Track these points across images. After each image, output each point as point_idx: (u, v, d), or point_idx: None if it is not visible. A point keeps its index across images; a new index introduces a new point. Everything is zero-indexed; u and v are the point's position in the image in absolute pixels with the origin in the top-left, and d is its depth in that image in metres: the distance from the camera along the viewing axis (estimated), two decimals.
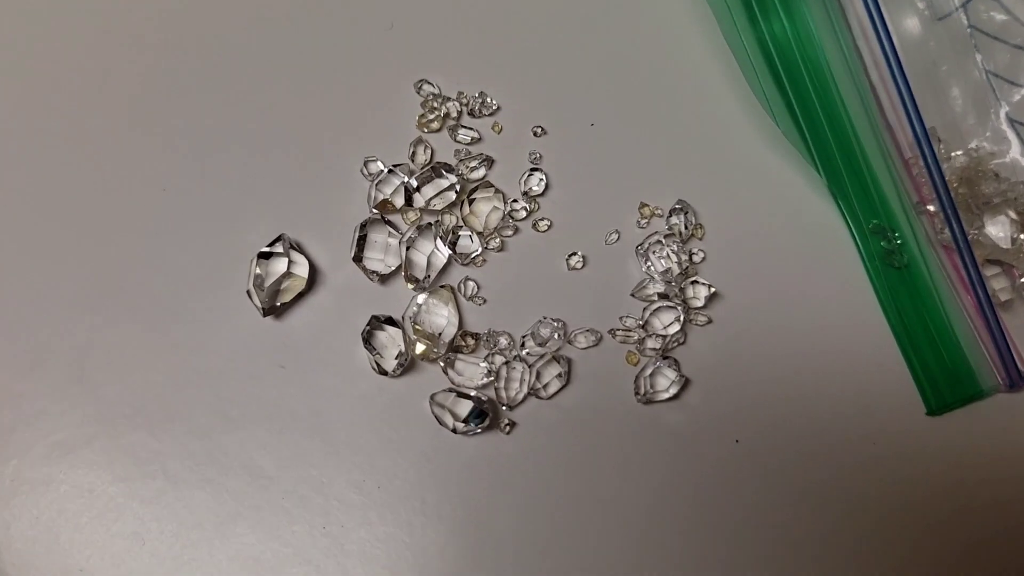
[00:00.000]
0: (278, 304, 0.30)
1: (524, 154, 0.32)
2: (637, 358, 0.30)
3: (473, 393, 0.29)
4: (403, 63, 0.32)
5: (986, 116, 0.32)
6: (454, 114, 0.32)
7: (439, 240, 0.30)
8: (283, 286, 0.30)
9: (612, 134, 0.32)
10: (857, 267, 0.30)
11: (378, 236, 0.30)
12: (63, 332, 0.30)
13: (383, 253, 0.30)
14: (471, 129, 0.32)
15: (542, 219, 0.31)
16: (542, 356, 0.29)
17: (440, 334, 0.29)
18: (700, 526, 0.28)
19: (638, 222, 0.31)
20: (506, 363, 0.29)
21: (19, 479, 0.29)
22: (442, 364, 0.29)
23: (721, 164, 0.32)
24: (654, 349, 0.29)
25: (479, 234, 0.30)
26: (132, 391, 0.30)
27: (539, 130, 0.32)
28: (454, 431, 0.28)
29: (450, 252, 0.30)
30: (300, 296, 0.30)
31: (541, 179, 0.31)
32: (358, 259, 0.30)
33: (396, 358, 0.29)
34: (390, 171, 0.31)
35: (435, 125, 0.32)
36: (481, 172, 0.31)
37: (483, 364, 0.29)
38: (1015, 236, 0.30)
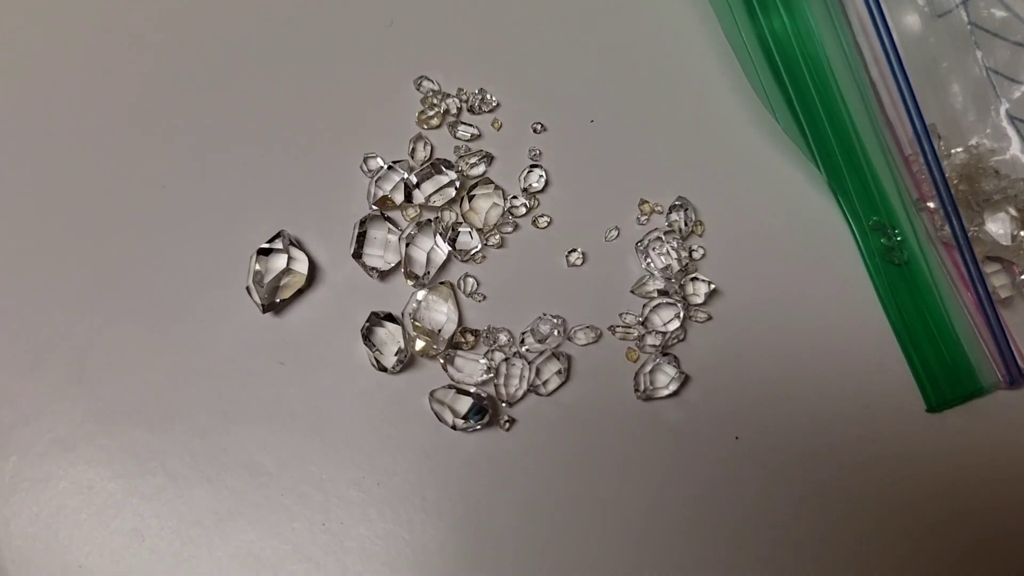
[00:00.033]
0: (278, 301, 0.30)
1: (524, 151, 0.32)
2: (637, 355, 0.30)
3: (473, 390, 0.29)
4: (403, 60, 0.32)
5: (986, 113, 0.32)
6: (454, 111, 0.32)
7: (439, 237, 0.30)
8: (283, 282, 0.30)
9: (612, 131, 0.32)
10: (857, 264, 0.30)
11: (378, 232, 0.30)
12: (63, 330, 0.30)
13: (383, 249, 0.30)
14: (471, 126, 0.32)
15: (542, 216, 0.31)
16: (542, 353, 0.29)
17: (440, 331, 0.29)
18: (699, 523, 0.28)
19: (638, 219, 0.31)
20: (506, 360, 0.29)
21: (19, 476, 0.29)
22: (442, 361, 0.29)
23: (721, 161, 0.32)
24: (654, 346, 0.29)
25: (479, 231, 0.30)
26: (131, 388, 0.30)
27: (539, 127, 0.32)
28: (454, 428, 0.29)
29: (450, 248, 0.30)
30: (300, 292, 0.30)
31: (541, 176, 0.31)
32: (358, 255, 0.30)
33: (396, 355, 0.29)
34: (390, 167, 0.31)
35: (435, 122, 0.32)
36: (481, 169, 0.31)
37: (483, 361, 0.29)
38: (1015, 233, 0.30)
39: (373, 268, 0.30)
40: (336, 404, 0.29)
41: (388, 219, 0.30)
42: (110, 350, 0.30)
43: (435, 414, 0.29)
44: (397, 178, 0.30)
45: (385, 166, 0.31)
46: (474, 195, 0.30)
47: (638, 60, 0.33)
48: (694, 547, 0.28)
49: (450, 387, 0.29)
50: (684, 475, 0.29)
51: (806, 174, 0.31)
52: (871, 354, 0.30)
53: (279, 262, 0.30)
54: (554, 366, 0.29)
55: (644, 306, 0.30)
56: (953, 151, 0.31)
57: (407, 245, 0.30)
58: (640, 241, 0.30)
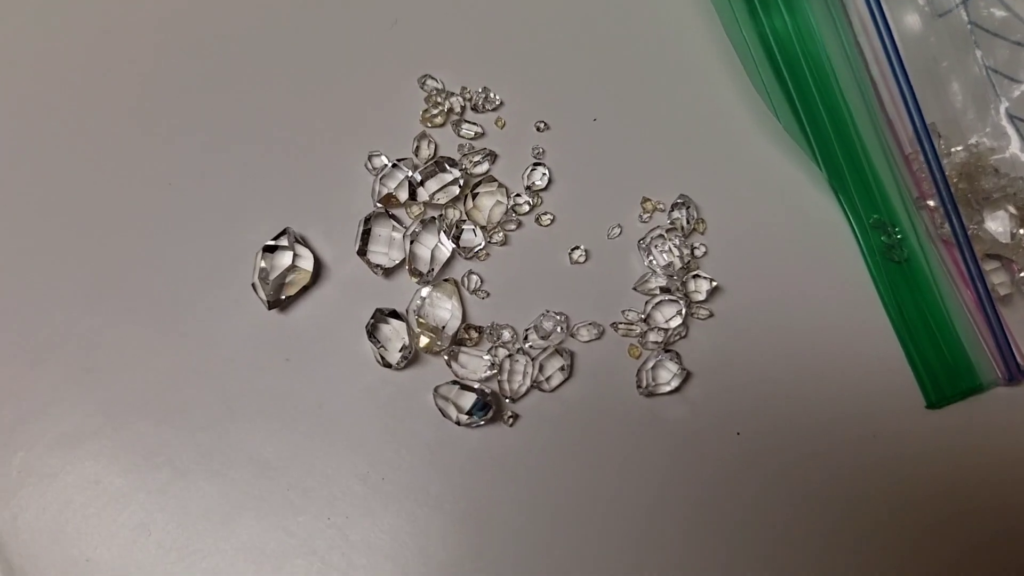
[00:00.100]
0: (283, 297, 0.30)
1: (527, 149, 0.32)
2: (639, 351, 0.30)
3: (476, 386, 0.29)
4: (407, 59, 0.33)
5: (986, 112, 0.32)
6: (457, 109, 0.32)
7: (443, 234, 0.30)
8: (288, 279, 0.30)
9: (614, 129, 0.32)
10: (857, 262, 0.31)
11: (382, 230, 0.30)
12: (70, 326, 0.30)
13: (387, 247, 0.30)
14: (474, 124, 0.32)
15: (545, 213, 0.31)
16: (545, 349, 0.29)
17: (444, 327, 0.29)
18: (701, 518, 0.29)
19: (640, 216, 0.31)
20: (509, 356, 0.29)
21: (26, 470, 0.29)
22: (446, 357, 0.29)
23: (723, 159, 0.32)
24: (656, 342, 0.30)
25: (482, 228, 0.31)
26: (138, 384, 0.30)
27: (542, 125, 0.32)
28: (458, 423, 0.29)
29: (454, 246, 0.30)
30: (305, 289, 0.30)
31: (544, 174, 0.31)
32: (362, 253, 0.30)
33: (400, 351, 0.29)
34: (394, 166, 0.31)
35: (439, 120, 0.32)
36: (484, 167, 0.31)
37: (486, 357, 0.29)
38: (1014, 231, 0.30)
39: (378, 265, 0.30)
40: (341, 400, 0.30)
41: (392, 217, 0.31)
42: (117, 346, 0.30)
43: (439, 410, 0.29)
44: (401, 176, 0.31)
45: (389, 164, 0.31)
46: (478, 193, 0.31)
47: (640, 59, 0.33)
48: (695, 541, 0.29)
49: (454, 383, 0.29)
50: (686, 470, 0.29)
51: (807, 172, 0.31)
52: (871, 350, 0.30)
53: (284, 259, 0.30)
54: (557, 362, 0.29)
55: (646, 303, 0.30)
56: (953, 150, 0.32)
57: (411, 242, 0.30)
58: (642, 239, 0.30)
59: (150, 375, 0.30)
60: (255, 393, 0.30)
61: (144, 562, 0.29)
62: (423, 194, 0.30)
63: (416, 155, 0.31)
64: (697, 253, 0.31)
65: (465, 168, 0.31)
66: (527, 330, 0.30)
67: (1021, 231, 0.30)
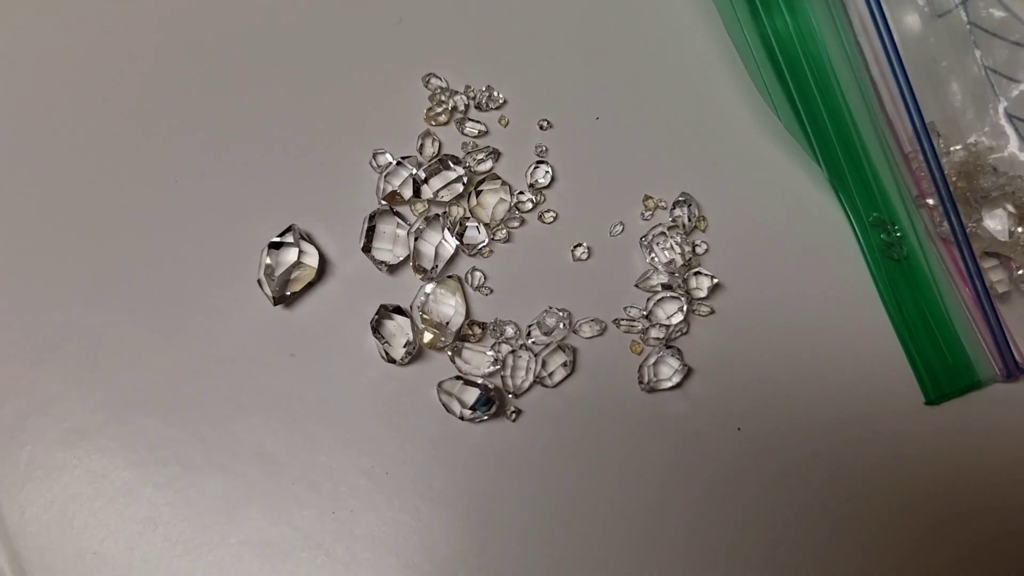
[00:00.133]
0: (288, 294, 0.30)
1: (530, 147, 0.32)
2: (641, 347, 0.30)
3: (480, 381, 0.29)
4: (411, 58, 0.33)
5: (985, 111, 0.32)
6: (461, 108, 0.32)
7: (447, 231, 0.30)
8: (293, 276, 0.30)
9: (617, 128, 0.32)
10: (857, 259, 0.31)
11: (387, 227, 0.31)
12: (77, 322, 0.31)
13: (392, 243, 0.30)
14: (478, 122, 0.32)
15: (548, 211, 0.31)
16: (548, 345, 0.30)
17: (447, 323, 0.30)
18: (701, 512, 0.29)
19: (642, 214, 0.31)
20: (512, 352, 0.30)
21: (34, 464, 0.30)
22: (449, 353, 0.30)
23: (724, 157, 0.32)
24: (657, 339, 0.30)
25: (486, 225, 0.31)
26: (145, 379, 0.30)
27: (545, 123, 0.32)
28: (461, 418, 0.29)
29: (457, 243, 0.30)
30: (310, 286, 0.30)
31: (547, 171, 0.32)
32: (367, 249, 0.30)
33: (404, 347, 0.29)
34: (398, 163, 0.31)
35: (443, 118, 0.32)
36: (488, 164, 0.32)
37: (490, 353, 0.30)
38: (1013, 229, 0.30)
39: (382, 262, 0.30)
40: (345, 395, 0.30)
41: (397, 214, 0.31)
42: (123, 342, 0.30)
43: (443, 405, 0.29)
44: (406, 174, 0.31)
45: (394, 162, 0.31)
46: (481, 190, 0.31)
47: (642, 59, 0.33)
48: (696, 535, 0.29)
49: (458, 378, 0.29)
50: (687, 465, 0.29)
51: (807, 171, 0.32)
52: (871, 347, 0.30)
53: (290, 256, 0.30)
54: (560, 358, 0.30)
55: (648, 300, 0.30)
56: (952, 149, 0.32)
57: (415, 239, 0.30)
58: (644, 236, 0.31)
59: (156, 371, 0.30)
60: (260, 388, 0.30)
61: (150, 555, 0.29)
62: (427, 191, 0.31)
63: (420, 153, 0.32)
64: (698, 250, 0.31)
65: (469, 166, 0.31)
66: (530, 326, 0.30)
67: (1019, 229, 0.30)
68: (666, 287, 0.30)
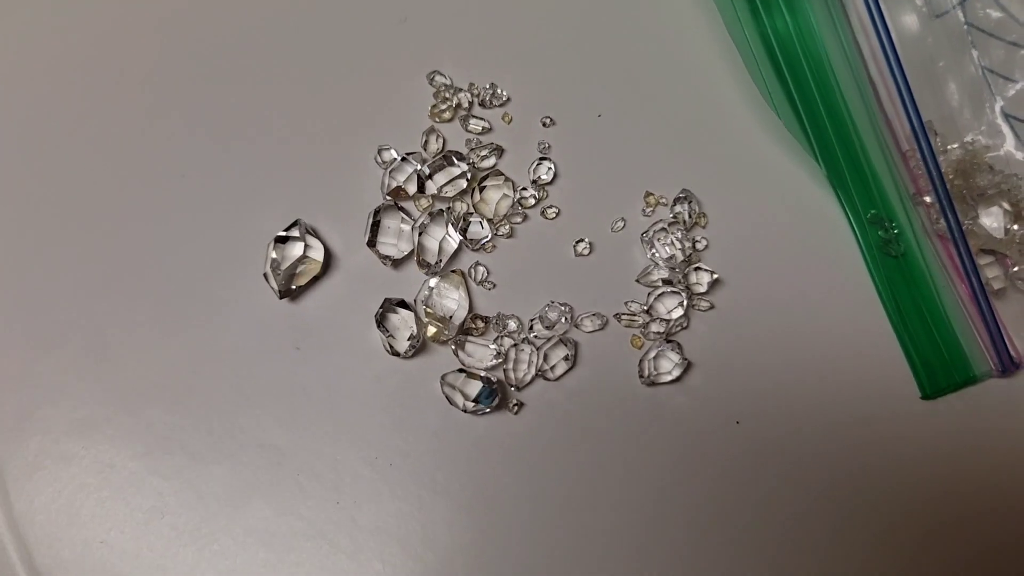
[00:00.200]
0: (294, 287, 0.30)
1: (533, 144, 0.32)
2: (641, 342, 0.30)
3: (482, 374, 0.29)
4: (416, 55, 0.33)
5: (981, 110, 0.33)
6: (465, 104, 0.33)
7: (450, 226, 0.31)
8: (299, 270, 0.30)
9: (618, 125, 0.33)
10: (855, 256, 0.31)
11: (391, 222, 0.31)
12: (86, 313, 0.31)
13: (396, 238, 0.31)
14: (482, 119, 0.32)
15: (550, 207, 0.32)
16: (549, 339, 0.30)
17: (451, 317, 0.30)
18: (701, 504, 0.29)
19: (643, 210, 0.32)
20: (514, 345, 0.30)
21: (42, 454, 0.30)
22: (452, 346, 0.30)
23: (724, 155, 0.32)
24: (658, 333, 0.30)
25: (489, 221, 0.31)
26: (152, 370, 0.30)
27: (548, 120, 0.33)
28: (464, 411, 0.29)
29: (461, 238, 0.31)
30: (315, 279, 0.31)
31: (550, 168, 0.32)
32: (372, 244, 0.31)
33: (408, 340, 0.30)
34: (403, 159, 0.31)
35: (447, 115, 0.33)
36: (491, 161, 0.32)
37: (492, 346, 0.30)
38: (1008, 226, 0.31)
39: (387, 256, 0.31)
40: (350, 387, 0.30)
41: (401, 209, 0.31)
42: (131, 334, 0.31)
43: (446, 397, 0.29)
44: (410, 169, 0.31)
45: (399, 158, 0.31)
46: (485, 186, 0.31)
47: (644, 57, 0.33)
48: (695, 527, 0.29)
49: (461, 371, 0.29)
50: (686, 458, 0.30)
51: (806, 168, 0.32)
52: (868, 342, 0.30)
53: (296, 250, 0.30)
54: (561, 352, 0.30)
55: (649, 295, 0.30)
56: (949, 147, 0.32)
57: (420, 234, 0.31)
58: (645, 232, 0.31)
59: (163, 362, 0.31)
60: (266, 380, 0.30)
61: (157, 544, 0.29)
62: (431, 187, 0.31)
63: (425, 149, 0.32)
64: (699, 246, 0.31)
65: (472, 162, 0.32)
66: (532, 320, 0.30)
67: (1015, 227, 0.31)
68: (666, 282, 0.31)
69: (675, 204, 0.31)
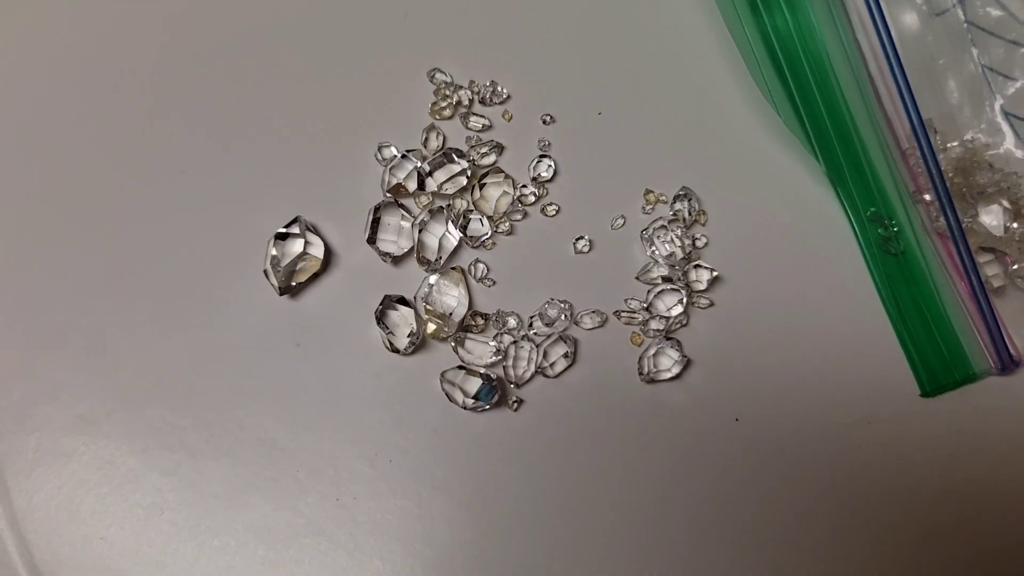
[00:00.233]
0: (294, 284, 0.30)
1: (533, 141, 0.32)
2: (641, 339, 0.30)
3: (482, 371, 0.29)
4: (416, 52, 0.33)
5: (981, 108, 0.33)
6: (466, 102, 0.33)
7: (450, 223, 0.31)
8: (299, 266, 0.30)
9: (618, 123, 0.33)
10: (855, 253, 0.31)
11: (391, 219, 0.31)
12: (85, 310, 0.31)
13: (396, 235, 0.31)
14: (482, 117, 0.33)
15: (550, 204, 0.32)
16: (549, 336, 0.30)
17: (450, 314, 0.30)
18: (699, 501, 0.29)
19: (643, 208, 0.32)
20: (514, 342, 0.30)
21: (42, 450, 0.30)
22: (452, 343, 0.30)
23: (724, 153, 0.32)
24: (657, 330, 0.30)
25: (489, 218, 0.31)
26: (152, 367, 0.30)
27: (548, 118, 0.33)
28: (463, 407, 0.29)
29: (461, 235, 0.31)
30: (315, 276, 0.31)
31: (550, 165, 0.32)
32: (372, 241, 0.31)
33: (408, 337, 0.30)
34: (403, 156, 0.31)
35: (447, 112, 0.33)
36: (491, 158, 0.32)
37: (492, 343, 0.30)
38: (1008, 224, 0.31)
39: (387, 253, 0.31)
40: (350, 384, 0.30)
41: (401, 206, 0.31)
42: (130, 330, 0.31)
43: (446, 394, 0.29)
44: (410, 166, 0.31)
45: (399, 155, 0.31)
46: (485, 184, 0.31)
47: (644, 55, 0.34)
48: (694, 524, 0.29)
49: (460, 368, 0.29)
50: (685, 455, 0.30)
51: (806, 166, 0.32)
52: (868, 340, 0.30)
53: (296, 247, 0.30)
54: (561, 349, 0.30)
55: (648, 292, 0.30)
56: (949, 145, 0.32)
57: (420, 231, 0.31)
58: (645, 229, 0.31)
59: (163, 359, 0.31)
60: (265, 377, 0.30)
61: (157, 540, 0.29)
62: (431, 184, 0.31)
63: (425, 146, 0.32)
64: (698, 244, 0.31)
65: (473, 159, 0.32)
66: (532, 317, 0.30)
67: (1014, 225, 0.31)
68: (666, 280, 0.31)
69: (675, 202, 0.31)
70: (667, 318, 0.30)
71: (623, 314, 0.30)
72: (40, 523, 0.29)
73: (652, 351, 0.30)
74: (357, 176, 0.32)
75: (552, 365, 0.30)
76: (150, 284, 0.31)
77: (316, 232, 0.31)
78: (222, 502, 0.29)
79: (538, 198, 0.32)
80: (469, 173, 0.31)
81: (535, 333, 0.30)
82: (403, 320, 0.30)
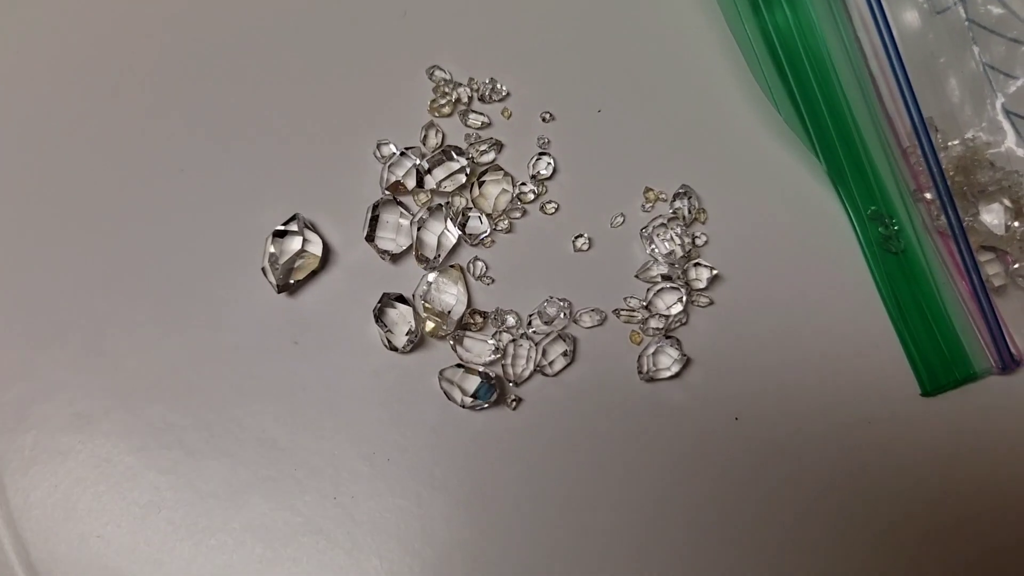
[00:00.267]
0: (292, 282, 0.30)
1: (532, 139, 0.32)
2: (640, 337, 0.30)
3: (481, 369, 0.29)
4: (416, 50, 0.33)
5: (982, 107, 0.33)
6: (465, 99, 0.33)
7: (449, 221, 0.31)
8: (297, 264, 0.30)
9: (618, 120, 0.33)
10: (855, 252, 0.31)
11: (390, 216, 0.31)
12: (83, 308, 0.31)
13: (395, 233, 0.31)
14: (481, 114, 0.32)
15: (549, 202, 0.32)
16: (548, 334, 0.30)
17: (449, 312, 0.30)
18: (699, 500, 0.29)
19: (643, 206, 0.32)
20: (513, 341, 0.30)
21: (39, 449, 0.30)
22: (451, 341, 0.30)
23: (724, 150, 0.32)
24: (657, 329, 0.30)
25: (488, 216, 0.31)
26: (149, 365, 0.30)
27: (547, 116, 0.33)
28: (462, 406, 0.29)
29: (460, 233, 0.31)
30: (314, 274, 0.31)
31: (549, 163, 0.32)
32: (370, 239, 0.31)
33: (406, 335, 0.30)
34: (402, 154, 0.31)
35: (446, 110, 0.32)
36: (491, 156, 0.32)
37: (491, 341, 0.30)
38: (1009, 223, 0.31)
39: (385, 251, 0.31)
40: (348, 382, 0.30)
41: (400, 204, 0.31)
42: (128, 328, 0.31)
43: (444, 393, 0.29)
44: (409, 164, 0.31)
45: (398, 152, 0.31)
46: (484, 181, 0.31)
47: (644, 53, 0.33)
48: (693, 522, 0.29)
49: (459, 367, 0.29)
50: (685, 453, 0.29)
51: (807, 164, 0.32)
52: (868, 339, 0.30)
53: (294, 244, 0.30)
54: (560, 347, 0.30)
55: (648, 290, 0.30)
56: (950, 144, 0.32)
57: (418, 229, 0.30)
58: (645, 227, 0.31)
59: (160, 357, 0.30)
60: (263, 375, 0.30)
61: (154, 539, 0.29)
62: (430, 182, 0.31)
63: (424, 144, 0.32)
64: (698, 242, 0.31)
65: (472, 157, 0.32)
66: (531, 316, 0.30)
67: (1015, 224, 0.31)
68: (666, 278, 0.30)
69: (675, 200, 0.31)
70: (667, 316, 0.30)
71: (622, 312, 0.30)
72: (37, 521, 0.29)
73: (651, 349, 0.30)
74: (356, 174, 0.32)
75: (551, 363, 0.30)
76: (148, 282, 0.31)
77: (314, 230, 0.31)
78: (220, 500, 0.29)
79: (537, 196, 0.32)
80: (468, 171, 0.31)
81: (534, 331, 0.30)
82: (402, 318, 0.30)
